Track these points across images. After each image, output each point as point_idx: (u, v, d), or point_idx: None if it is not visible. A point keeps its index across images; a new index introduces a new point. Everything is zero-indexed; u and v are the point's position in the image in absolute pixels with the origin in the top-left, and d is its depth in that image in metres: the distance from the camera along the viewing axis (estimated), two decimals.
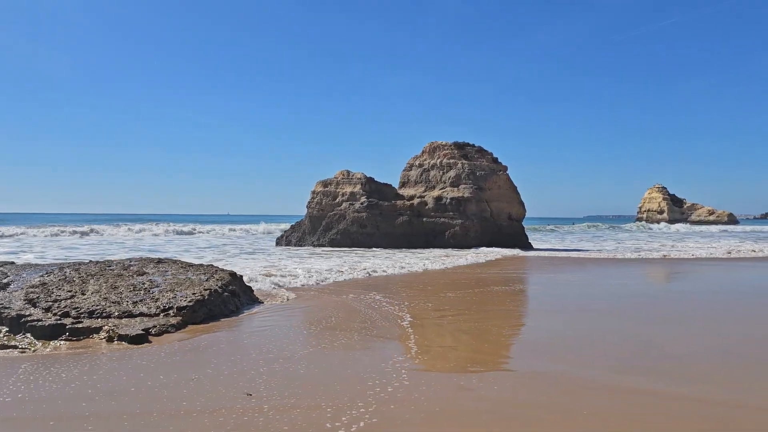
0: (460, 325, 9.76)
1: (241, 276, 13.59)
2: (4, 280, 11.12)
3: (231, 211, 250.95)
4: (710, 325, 9.99)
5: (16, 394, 5.68)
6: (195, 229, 55.49)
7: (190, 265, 14.02)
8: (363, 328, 9.37)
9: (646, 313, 11.31)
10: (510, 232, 36.20)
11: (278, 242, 38.58)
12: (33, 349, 7.99)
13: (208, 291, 10.84)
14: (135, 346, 8.20)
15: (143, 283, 11.28)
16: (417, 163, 39.43)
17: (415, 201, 36.68)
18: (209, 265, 14.11)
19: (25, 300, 9.73)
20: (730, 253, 31.22)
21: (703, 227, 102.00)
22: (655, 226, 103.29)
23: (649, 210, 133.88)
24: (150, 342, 8.37)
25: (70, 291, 10.34)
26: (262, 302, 12.71)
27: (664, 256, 29.61)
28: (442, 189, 36.85)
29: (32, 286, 10.53)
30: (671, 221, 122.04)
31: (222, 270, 13.33)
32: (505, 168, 37.62)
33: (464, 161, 37.46)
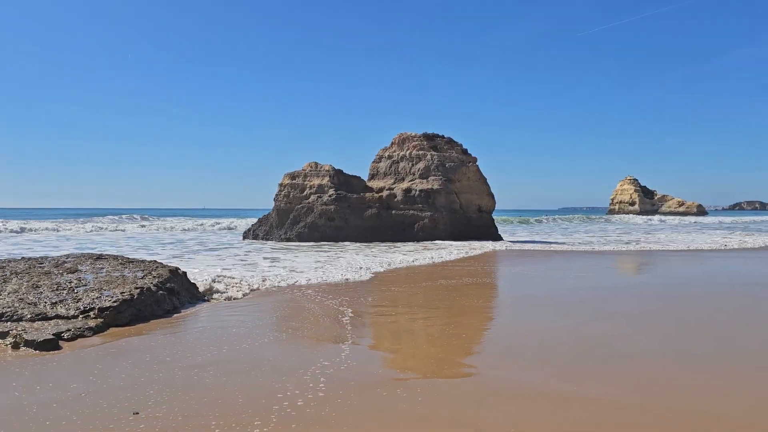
0: (404, 324, 9.23)
1: (184, 272, 12.85)
2: None
3: (206, 205, 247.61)
4: (672, 321, 9.60)
5: None
6: (146, 223, 53.46)
7: (131, 261, 13.25)
8: (299, 327, 8.77)
9: (601, 308, 10.92)
10: (479, 224, 35.85)
11: (245, 236, 37.75)
12: None
13: (138, 290, 10.11)
14: (43, 353, 7.48)
15: (70, 282, 10.50)
16: (386, 154, 38.81)
17: (384, 193, 36.09)
18: (152, 261, 13.34)
19: None
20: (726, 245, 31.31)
21: (675, 218, 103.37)
22: (627, 217, 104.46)
23: (621, 201, 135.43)
24: (61, 348, 7.65)
25: None
26: (207, 300, 12.04)
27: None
28: (411, 181, 36.31)
29: None
30: (642, 212, 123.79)
31: (163, 266, 12.58)
32: (475, 159, 37.23)
33: (434, 153, 36.95)
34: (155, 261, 13.65)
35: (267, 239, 35.47)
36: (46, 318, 8.68)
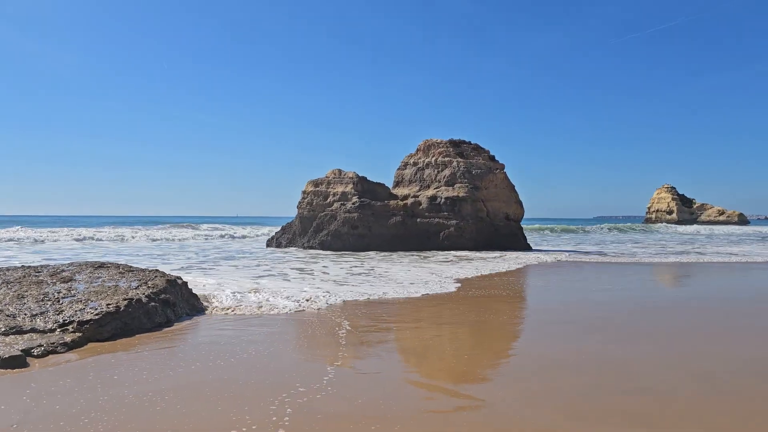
0: (409, 342, 8.39)
1: (185, 282, 12.27)
2: None
3: (239, 213, 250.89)
4: (707, 342, 8.51)
5: None
6: (174, 236, 53.55)
7: (131, 269, 12.75)
8: (292, 343, 8.01)
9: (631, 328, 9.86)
10: (506, 233, 34.67)
11: (268, 244, 37.46)
12: None
13: (126, 301, 9.53)
14: (7, 371, 6.91)
15: (59, 292, 10.00)
16: (411, 161, 38.02)
17: (409, 201, 35.26)
18: (152, 270, 12.82)
19: None
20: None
21: (716, 228, 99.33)
22: (671, 227, 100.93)
23: (658, 210, 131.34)
24: (28, 366, 7.07)
25: None
26: (205, 312, 11.44)
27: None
28: (436, 188, 35.41)
29: None
30: (680, 222, 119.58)
31: (162, 275, 12.03)
32: (502, 166, 36.10)
33: (460, 159, 35.99)
34: (156, 270, 13.12)
35: (290, 246, 35.07)
36: (20, 332, 8.14)
